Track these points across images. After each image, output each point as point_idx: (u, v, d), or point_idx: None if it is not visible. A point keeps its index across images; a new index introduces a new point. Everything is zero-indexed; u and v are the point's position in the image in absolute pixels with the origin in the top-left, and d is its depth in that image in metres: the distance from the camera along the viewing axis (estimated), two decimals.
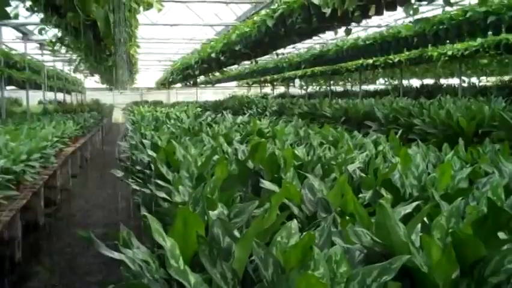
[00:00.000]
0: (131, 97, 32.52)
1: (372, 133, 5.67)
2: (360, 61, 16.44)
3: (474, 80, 24.53)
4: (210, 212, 1.85)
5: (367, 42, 11.68)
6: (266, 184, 2.48)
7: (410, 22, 9.71)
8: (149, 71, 31.66)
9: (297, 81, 27.06)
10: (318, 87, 30.31)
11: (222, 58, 11.85)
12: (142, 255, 1.54)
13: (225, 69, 18.32)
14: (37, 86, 16.78)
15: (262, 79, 28.87)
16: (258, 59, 13.54)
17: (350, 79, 27.48)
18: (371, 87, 26.70)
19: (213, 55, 12.09)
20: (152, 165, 3.28)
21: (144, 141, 4.25)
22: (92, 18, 4.68)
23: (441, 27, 8.65)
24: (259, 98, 19.89)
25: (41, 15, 6.30)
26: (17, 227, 5.47)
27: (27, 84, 14.58)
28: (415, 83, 25.74)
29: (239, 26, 10.47)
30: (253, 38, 9.16)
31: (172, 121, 7.79)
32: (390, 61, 15.52)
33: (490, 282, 1.39)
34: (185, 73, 18.05)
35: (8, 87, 20.32)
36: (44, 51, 16.19)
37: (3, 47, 13.94)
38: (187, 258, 1.54)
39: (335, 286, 1.39)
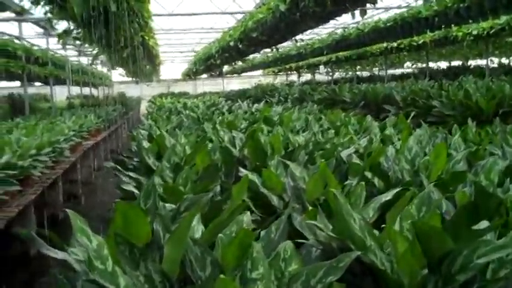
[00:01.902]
0: (158, 89, 32.62)
1: (390, 117, 5.44)
2: (385, 44, 16.09)
3: (504, 60, 23.80)
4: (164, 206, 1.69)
5: (388, 24, 11.35)
6: (245, 173, 2.31)
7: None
8: (174, 63, 31.78)
9: (321, 67, 26.76)
10: (344, 73, 29.93)
11: (240, 46, 11.67)
12: (82, 255, 1.40)
13: (247, 58, 18.15)
14: (62, 81, 16.81)
15: (287, 67, 28.61)
16: (279, 46, 13.32)
17: (376, 64, 26.98)
18: (397, 71, 26.19)
19: (231, 43, 11.92)
20: None
21: (142, 131, 4.12)
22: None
23: (461, 5, 8.29)
24: (283, 86, 19.70)
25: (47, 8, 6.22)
26: (30, 221, 5.41)
27: (50, 79, 14.59)
28: (443, 65, 25.12)
29: (254, 12, 10.27)
30: (269, 24, 8.96)
31: (187, 111, 7.68)
32: (415, 43, 15.13)
33: (457, 280, 1.20)
34: (208, 63, 17.93)
35: (36, 84, 20.58)
36: (67, 46, 16.14)
37: (25, 43, 13.98)
38: None
39: (282, 287, 1.22)
